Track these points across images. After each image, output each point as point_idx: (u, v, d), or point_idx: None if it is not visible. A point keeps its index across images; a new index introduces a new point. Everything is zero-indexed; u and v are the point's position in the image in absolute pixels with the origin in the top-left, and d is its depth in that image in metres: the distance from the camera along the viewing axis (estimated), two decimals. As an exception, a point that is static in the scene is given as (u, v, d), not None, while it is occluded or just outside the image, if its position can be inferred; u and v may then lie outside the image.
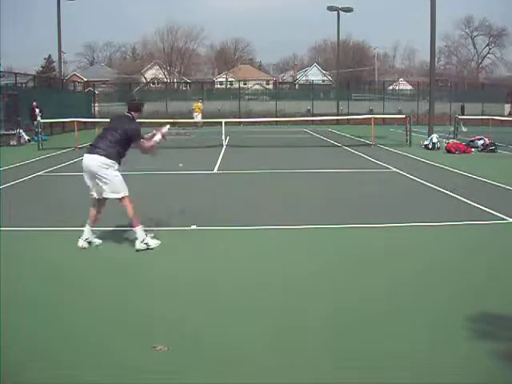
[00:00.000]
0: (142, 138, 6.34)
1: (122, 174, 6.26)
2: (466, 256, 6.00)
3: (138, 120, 6.38)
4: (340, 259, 5.82)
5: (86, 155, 6.09)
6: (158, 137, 6.48)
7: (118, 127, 6.16)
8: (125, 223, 6.67)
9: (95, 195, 6.19)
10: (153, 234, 6.26)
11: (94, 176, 6.03)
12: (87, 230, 6.22)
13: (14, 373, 3.36)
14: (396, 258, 5.86)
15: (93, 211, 6.28)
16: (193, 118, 30.96)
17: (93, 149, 6.08)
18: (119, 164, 6.24)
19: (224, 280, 5.15)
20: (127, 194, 6.23)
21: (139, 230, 6.09)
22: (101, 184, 6.05)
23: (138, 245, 6.03)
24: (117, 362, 3.49)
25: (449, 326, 4.05)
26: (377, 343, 3.75)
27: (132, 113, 6.30)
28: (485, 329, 4.00)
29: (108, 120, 6.63)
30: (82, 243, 6.17)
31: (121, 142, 6.14)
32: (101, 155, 5.99)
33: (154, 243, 6.12)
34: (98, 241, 6.33)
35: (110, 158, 6.04)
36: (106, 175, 6.02)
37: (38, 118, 21.02)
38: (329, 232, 7.02)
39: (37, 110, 22.04)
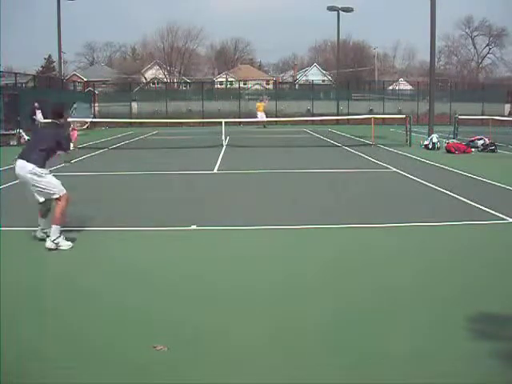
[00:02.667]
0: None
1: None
2: (465, 256, 6.00)
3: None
4: (340, 259, 5.82)
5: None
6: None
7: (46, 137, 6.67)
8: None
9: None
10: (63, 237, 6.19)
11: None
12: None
13: (14, 373, 3.36)
14: (396, 258, 5.87)
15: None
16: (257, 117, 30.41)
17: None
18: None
19: (224, 280, 5.15)
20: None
21: (55, 228, 6.10)
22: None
23: (49, 243, 6.05)
24: (117, 362, 3.49)
25: (449, 326, 4.05)
26: (377, 343, 3.75)
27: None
28: (485, 329, 4.00)
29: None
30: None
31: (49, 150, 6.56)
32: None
33: (65, 244, 6.13)
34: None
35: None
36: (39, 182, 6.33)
37: (38, 117, 21.02)
38: (329, 232, 7.02)
39: (37, 112, 21.95)
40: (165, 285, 5.01)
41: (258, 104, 32.21)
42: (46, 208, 6.46)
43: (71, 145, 6.89)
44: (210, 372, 3.38)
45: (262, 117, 30.37)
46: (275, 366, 3.46)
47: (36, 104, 22.35)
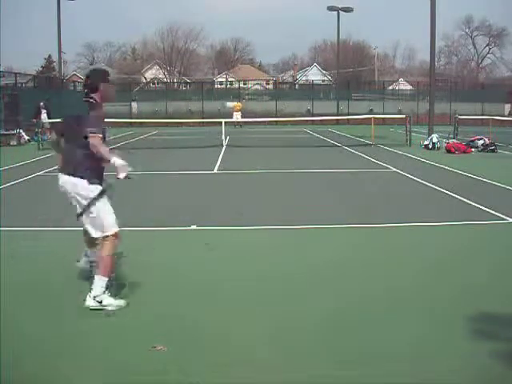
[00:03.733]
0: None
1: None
2: (465, 256, 6.00)
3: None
4: (340, 259, 5.81)
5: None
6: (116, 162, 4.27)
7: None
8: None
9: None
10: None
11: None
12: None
13: (13, 373, 3.36)
14: (396, 258, 5.86)
15: None
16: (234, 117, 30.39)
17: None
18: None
19: (224, 279, 5.14)
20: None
21: (99, 280, 4.31)
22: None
23: (90, 301, 4.29)
24: (117, 362, 3.49)
25: (449, 325, 4.05)
26: (376, 343, 3.75)
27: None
28: (485, 329, 4.00)
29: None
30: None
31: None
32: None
33: (112, 304, 4.29)
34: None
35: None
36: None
37: (43, 118, 21.02)
38: (329, 232, 7.02)
39: (42, 111, 21.95)
40: (164, 284, 5.00)
41: (235, 104, 32.17)
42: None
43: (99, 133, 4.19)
44: (210, 372, 3.38)
45: (237, 117, 30.32)
46: (275, 365, 3.46)
47: (42, 103, 22.34)
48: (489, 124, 21.53)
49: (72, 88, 36.69)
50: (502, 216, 7.65)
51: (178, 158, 16.19)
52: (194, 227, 7.12)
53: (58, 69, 40.76)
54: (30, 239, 6.71)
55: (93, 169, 4.34)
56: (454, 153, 16.69)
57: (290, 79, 65.68)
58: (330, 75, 64.21)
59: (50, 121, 20.86)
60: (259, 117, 31.93)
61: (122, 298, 4.43)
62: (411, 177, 11.58)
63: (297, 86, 53.84)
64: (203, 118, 32.33)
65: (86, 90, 4.30)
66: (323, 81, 62.01)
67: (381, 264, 5.64)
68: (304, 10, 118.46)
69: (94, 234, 4.45)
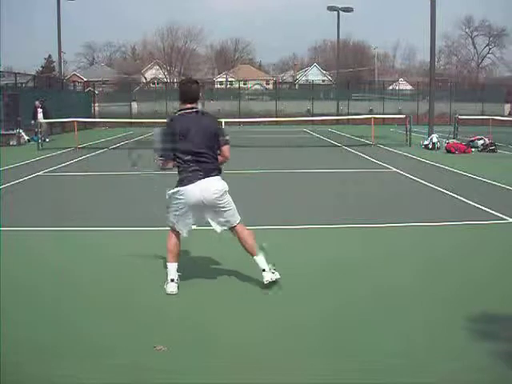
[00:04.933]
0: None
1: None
2: (465, 256, 6.00)
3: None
4: (340, 259, 5.81)
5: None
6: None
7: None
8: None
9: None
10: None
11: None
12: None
13: (14, 373, 3.36)
14: (396, 258, 5.86)
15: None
16: None
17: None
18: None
19: (224, 279, 5.14)
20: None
21: (261, 258, 4.76)
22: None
23: (268, 276, 4.69)
24: (117, 362, 3.49)
25: (449, 325, 4.05)
26: (376, 343, 3.75)
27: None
28: (485, 329, 4.00)
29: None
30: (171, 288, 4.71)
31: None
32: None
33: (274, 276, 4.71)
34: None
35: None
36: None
37: (39, 117, 21.01)
38: (329, 232, 7.01)
39: (39, 111, 21.95)
40: (164, 284, 5.00)
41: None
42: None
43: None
44: (210, 372, 3.38)
45: None
46: (275, 365, 3.46)
47: (37, 102, 22.33)
48: (489, 124, 21.51)
49: (72, 88, 36.66)
50: (502, 216, 7.65)
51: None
52: (194, 227, 7.10)
53: (58, 69, 40.76)
54: (29, 239, 6.71)
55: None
56: (454, 153, 16.69)
57: (290, 79, 65.66)
58: (330, 75, 64.21)
59: (48, 121, 20.88)
60: (259, 117, 31.92)
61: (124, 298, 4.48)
62: (411, 177, 11.58)
63: (297, 86, 53.85)
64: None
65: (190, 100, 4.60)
66: (323, 81, 62.04)
67: (381, 264, 5.64)
68: (304, 10, 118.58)
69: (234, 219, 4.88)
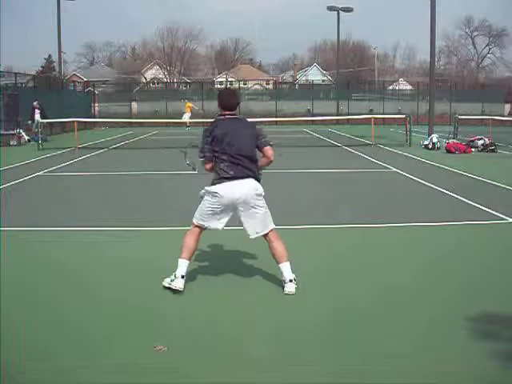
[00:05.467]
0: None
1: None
2: (465, 256, 6.00)
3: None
4: (339, 259, 5.82)
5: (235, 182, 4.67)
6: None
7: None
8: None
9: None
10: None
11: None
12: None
13: (14, 373, 3.36)
14: (395, 258, 5.86)
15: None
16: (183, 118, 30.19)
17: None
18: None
19: (224, 279, 5.15)
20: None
21: (288, 265, 4.81)
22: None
23: (292, 287, 4.71)
24: (117, 362, 3.49)
25: (448, 325, 4.05)
26: (376, 343, 3.75)
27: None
28: (485, 329, 4.00)
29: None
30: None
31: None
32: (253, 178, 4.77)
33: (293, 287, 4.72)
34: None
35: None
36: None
37: (37, 118, 21.03)
38: (329, 232, 7.01)
39: (36, 111, 21.95)
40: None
41: (187, 104, 32.15)
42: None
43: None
44: (210, 372, 3.38)
45: (186, 117, 30.09)
46: (275, 365, 3.46)
47: (35, 103, 22.32)
48: (489, 124, 21.51)
49: (72, 88, 36.67)
50: (502, 216, 7.65)
51: (179, 158, 16.18)
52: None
53: (58, 69, 40.76)
54: (29, 239, 6.71)
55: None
56: (454, 153, 16.69)
57: (290, 79, 65.63)
58: (330, 75, 64.19)
59: (47, 121, 20.88)
60: (259, 117, 31.91)
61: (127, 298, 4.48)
62: (411, 177, 11.58)
63: (297, 86, 53.80)
64: (203, 118, 32.31)
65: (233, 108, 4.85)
66: (323, 81, 62.02)
67: (380, 264, 5.64)
68: (304, 10, 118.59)
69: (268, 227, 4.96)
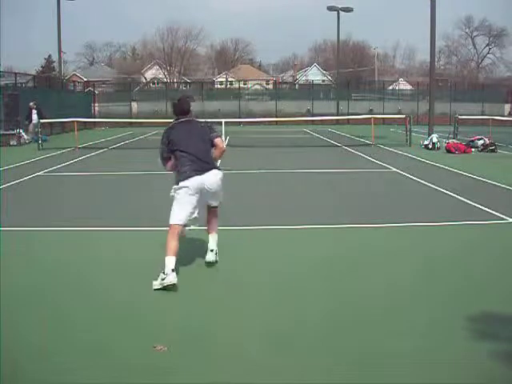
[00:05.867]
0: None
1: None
2: (465, 256, 6.00)
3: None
4: (340, 259, 5.82)
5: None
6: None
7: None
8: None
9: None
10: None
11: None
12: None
13: (14, 372, 3.36)
14: (396, 258, 5.86)
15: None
16: None
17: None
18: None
19: (224, 279, 5.15)
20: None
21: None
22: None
23: (213, 257, 5.47)
24: (117, 362, 3.49)
25: (449, 325, 4.05)
26: (376, 343, 3.75)
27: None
28: (485, 329, 4.00)
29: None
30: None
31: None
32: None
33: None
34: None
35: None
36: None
37: (34, 119, 21.05)
38: (329, 232, 7.01)
39: (33, 112, 21.88)
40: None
41: None
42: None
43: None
44: (211, 372, 3.38)
45: None
46: (275, 365, 3.46)
47: (31, 104, 22.28)
48: (489, 124, 21.52)
49: (72, 88, 36.66)
50: (502, 216, 7.65)
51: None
52: (193, 227, 7.11)
53: (58, 69, 40.76)
54: (29, 239, 6.71)
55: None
56: (454, 153, 16.69)
57: (290, 79, 65.66)
58: (329, 75, 64.19)
59: (46, 121, 20.87)
60: (259, 117, 31.93)
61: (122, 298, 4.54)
62: (411, 177, 11.58)
63: (297, 86, 53.80)
64: (203, 118, 32.30)
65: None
66: (323, 81, 61.98)
67: (380, 264, 5.64)
68: (304, 10, 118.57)
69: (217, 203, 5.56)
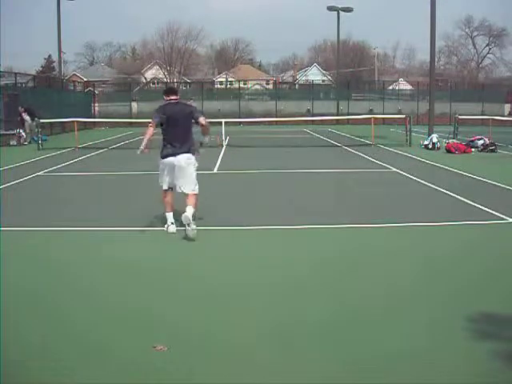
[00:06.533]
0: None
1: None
2: (465, 256, 6.00)
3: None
4: (340, 259, 5.82)
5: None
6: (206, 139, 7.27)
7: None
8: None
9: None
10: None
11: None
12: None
13: (14, 372, 3.36)
14: (396, 258, 5.86)
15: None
16: None
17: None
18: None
19: (224, 280, 5.15)
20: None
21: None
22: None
23: (190, 232, 6.47)
24: (117, 362, 3.49)
25: (449, 325, 4.05)
26: (376, 343, 3.75)
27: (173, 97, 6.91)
28: (484, 329, 4.00)
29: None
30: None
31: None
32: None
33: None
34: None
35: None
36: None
37: (26, 120, 21.06)
38: (329, 232, 7.01)
39: (24, 115, 21.74)
40: (165, 284, 5.01)
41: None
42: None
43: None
44: (210, 372, 3.38)
45: None
46: (275, 366, 3.46)
47: (21, 108, 22.21)
48: (489, 124, 21.51)
49: (72, 88, 36.66)
50: (502, 216, 7.65)
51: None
52: (193, 227, 7.11)
53: (58, 69, 40.76)
54: (29, 239, 6.71)
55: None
56: (454, 153, 16.69)
57: (290, 79, 65.63)
58: (329, 75, 64.17)
59: (44, 121, 20.86)
60: (259, 117, 31.92)
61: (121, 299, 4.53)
62: (411, 177, 11.58)
63: (297, 86, 53.80)
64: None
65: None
66: (323, 81, 61.97)
67: (380, 264, 5.64)
68: (304, 10, 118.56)
69: (191, 188, 6.73)
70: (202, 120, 6.75)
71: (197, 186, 6.79)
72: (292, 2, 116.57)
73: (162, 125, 6.75)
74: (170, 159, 6.67)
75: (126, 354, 3.60)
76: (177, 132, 6.66)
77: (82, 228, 7.12)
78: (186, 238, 6.48)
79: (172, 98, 6.82)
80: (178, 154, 6.63)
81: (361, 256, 5.91)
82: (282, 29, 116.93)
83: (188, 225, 6.39)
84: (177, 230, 6.65)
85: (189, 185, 6.66)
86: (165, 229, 6.73)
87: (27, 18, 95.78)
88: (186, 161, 6.63)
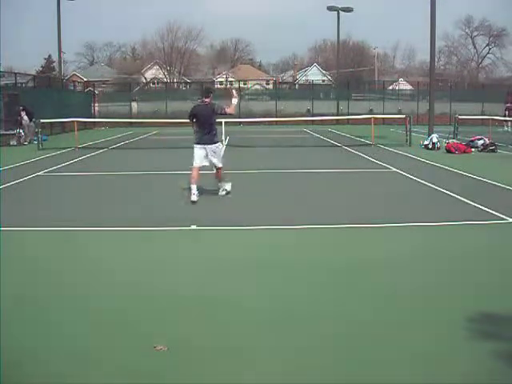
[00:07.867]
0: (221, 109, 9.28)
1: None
2: (465, 256, 6.00)
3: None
4: (340, 259, 5.82)
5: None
6: (234, 100, 9.73)
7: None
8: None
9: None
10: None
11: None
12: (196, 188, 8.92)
13: (13, 374, 3.36)
14: (396, 258, 5.86)
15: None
16: None
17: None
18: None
19: (223, 280, 5.15)
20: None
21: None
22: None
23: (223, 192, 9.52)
24: (117, 362, 3.49)
25: (449, 326, 4.05)
26: (376, 343, 3.75)
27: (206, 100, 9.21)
28: (485, 329, 4.00)
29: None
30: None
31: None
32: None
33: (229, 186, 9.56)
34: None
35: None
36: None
37: (25, 119, 21.04)
38: (329, 232, 7.01)
39: (23, 114, 21.73)
40: (164, 284, 5.01)
41: None
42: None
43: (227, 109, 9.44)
44: (210, 372, 3.38)
45: None
46: (275, 366, 3.46)
47: (20, 107, 22.19)
48: (489, 124, 21.51)
49: (72, 88, 36.65)
50: (502, 216, 7.65)
51: (178, 157, 16.18)
52: (193, 227, 7.12)
53: (58, 69, 40.75)
54: (29, 239, 6.71)
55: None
56: (454, 153, 16.68)
57: (290, 79, 65.65)
58: (329, 75, 64.17)
59: (44, 121, 20.86)
60: (259, 117, 31.90)
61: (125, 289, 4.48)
62: (411, 177, 11.58)
63: (297, 86, 53.80)
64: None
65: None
66: (323, 81, 61.97)
67: (380, 264, 5.64)
68: (304, 10, 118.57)
69: (219, 164, 9.30)
70: (226, 109, 9.31)
71: (221, 164, 9.31)
72: (292, 2, 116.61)
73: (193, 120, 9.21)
74: (203, 146, 9.04)
75: (126, 354, 3.59)
76: (203, 126, 9.07)
77: (81, 228, 7.12)
78: (185, 238, 6.48)
79: (205, 99, 9.21)
80: (209, 143, 9.04)
81: (360, 256, 5.90)
82: (282, 29, 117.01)
83: (220, 188, 9.47)
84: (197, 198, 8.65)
85: (218, 162, 9.23)
86: (191, 198, 8.72)
87: (27, 18, 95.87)
88: (215, 148, 9.12)
